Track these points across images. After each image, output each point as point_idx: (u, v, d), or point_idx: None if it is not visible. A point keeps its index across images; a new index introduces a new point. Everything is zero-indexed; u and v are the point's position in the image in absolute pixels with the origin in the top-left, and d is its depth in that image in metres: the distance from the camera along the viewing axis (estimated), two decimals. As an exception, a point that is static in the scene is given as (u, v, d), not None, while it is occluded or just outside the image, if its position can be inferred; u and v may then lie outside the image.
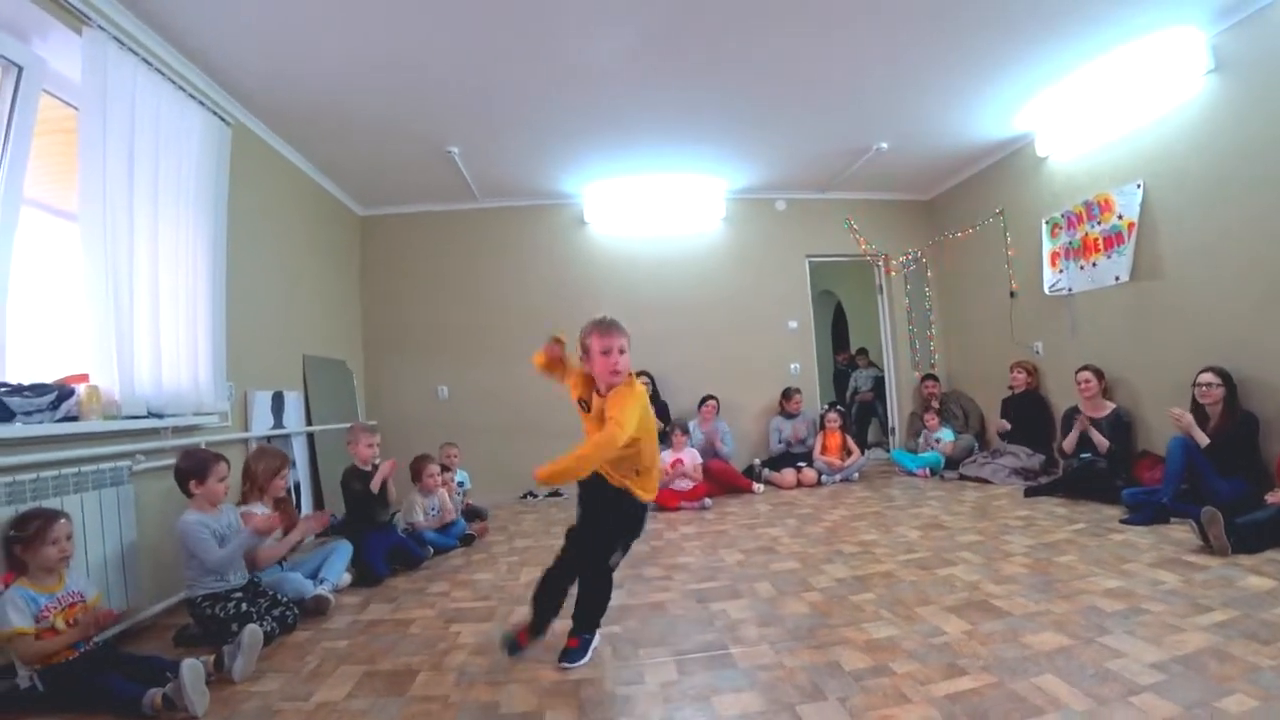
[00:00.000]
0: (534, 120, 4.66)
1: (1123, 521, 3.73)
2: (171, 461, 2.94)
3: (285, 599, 2.84)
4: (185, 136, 3.41)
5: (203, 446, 3.17)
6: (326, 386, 5.17)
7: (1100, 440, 4.50)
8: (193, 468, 2.77)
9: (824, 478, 5.82)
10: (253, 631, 2.31)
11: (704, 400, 6.03)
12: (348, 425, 4.40)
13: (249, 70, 3.71)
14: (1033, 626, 2.33)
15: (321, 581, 3.18)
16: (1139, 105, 4.45)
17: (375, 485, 3.69)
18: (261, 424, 4.15)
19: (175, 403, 3.22)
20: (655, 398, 6.02)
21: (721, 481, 5.54)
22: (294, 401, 4.59)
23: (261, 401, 4.18)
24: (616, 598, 2.92)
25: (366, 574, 3.46)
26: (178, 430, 3.25)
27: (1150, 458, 4.37)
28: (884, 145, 5.50)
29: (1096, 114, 4.77)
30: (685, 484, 5.23)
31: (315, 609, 2.95)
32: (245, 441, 3.91)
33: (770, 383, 6.47)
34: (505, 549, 4.09)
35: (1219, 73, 3.95)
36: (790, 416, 6.23)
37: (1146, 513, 3.68)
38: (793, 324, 6.72)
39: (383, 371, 6.14)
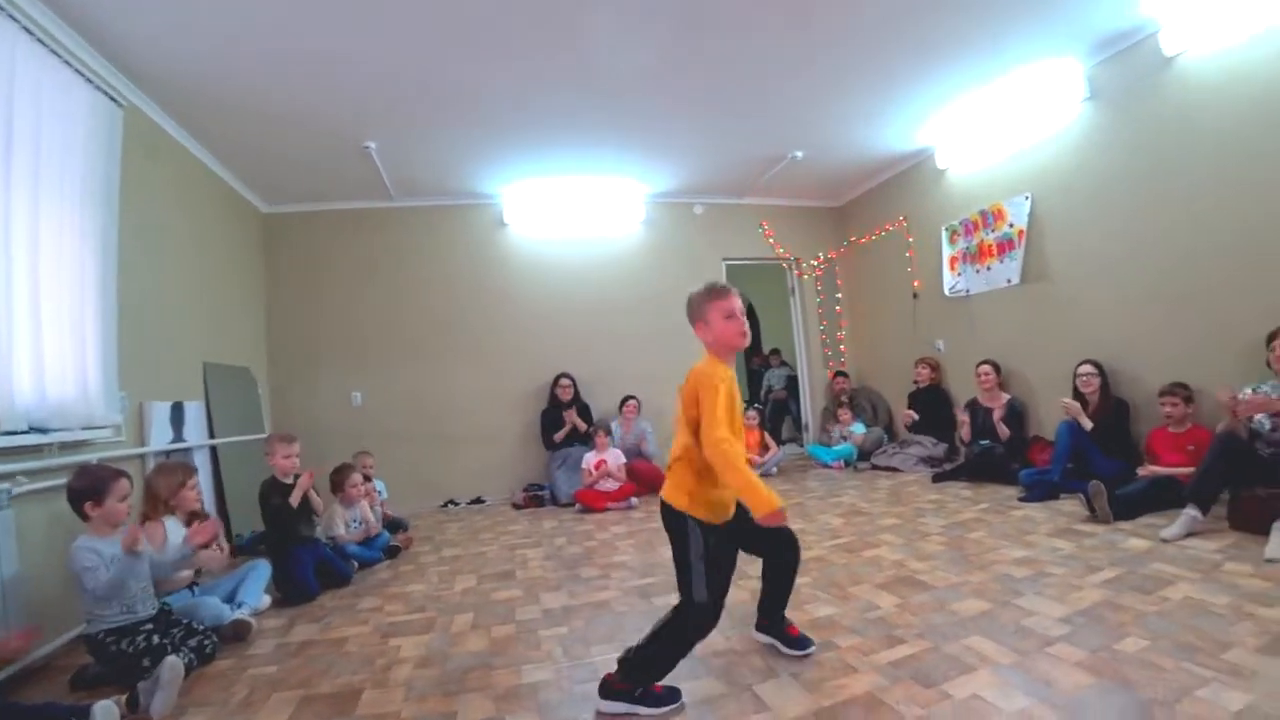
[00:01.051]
0: (454, 118, 4.55)
1: (1021, 499, 4.13)
2: (58, 482, 2.67)
3: (202, 627, 2.62)
4: (71, 117, 3.09)
5: (96, 463, 2.88)
6: (230, 395, 4.84)
7: (1004, 431, 4.90)
8: (88, 487, 2.48)
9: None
10: (173, 664, 2.14)
11: (625, 400, 6.07)
12: (258, 436, 4.14)
13: (144, 46, 3.36)
14: (956, 596, 2.57)
15: (239, 605, 2.97)
16: (1027, 126, 4.90)
17: (296, 499, 3.49)
18: (160, 437, 3.84)
19: (61, 416, 2.90)
20: (577, 399, 6.01)
21: (647, 481, 5.58)
22: (195, 412, 4.28)
23: (159, 413, 3.86)
24: (558, 599, 2.93)
25: (295, 592, 3.27)
26: (65, 446, 2.94)
27: (1041, 442, 4.80)
28: (799, 154, 5.73)
29: (990, 132, 5.20)
30: (611, 485, 5.25)
31: (235, 635, 2.74)
32: (142, 457, 3.60)
33: (691, 382, 6.57)
34: (434, 559, 3.98)
35: (1094, 100, 4.43)
36: (711, 415, 6.36)
37: (1040, 490, 4.09)
38: (711, 325, 6.85)
39: (291, 378, 5.79)
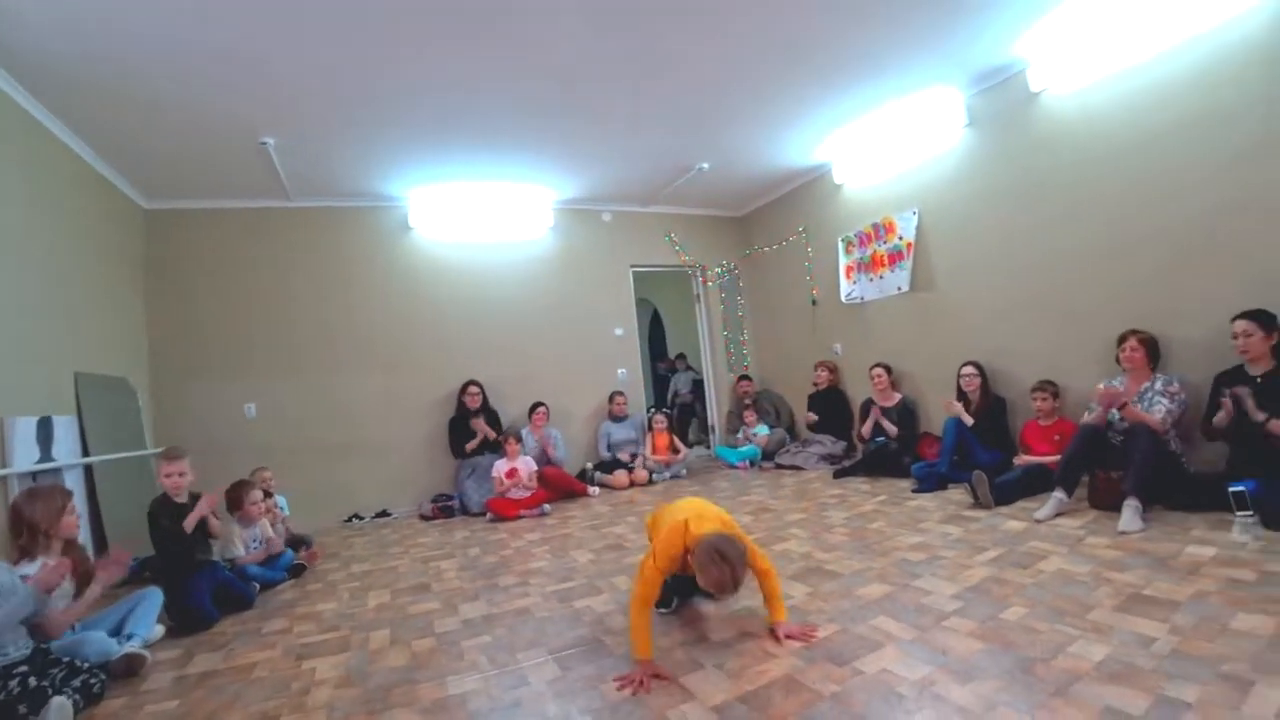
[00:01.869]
0: (359, 116, 4.38)
1: (914, 491, 4.46)
2: None
3: (87, 665, 2.38)
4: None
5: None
6: (106, 409, 4.44)
7: (890, 428, 5.26)
8: None
9: (655, 475, 6.10)
10: (60, 706, 1.99)
11: (534, 407, 6.06)
12: (140, 453, 3.81)
13: (10, 20, 3.03)
14: (861, 581, 2.78)
15: (129, 638, 2.74)
16: (915, 147, 5.32)
17: (189, 525, 3.25)
18: (25, 458, 3.47)
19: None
20: (485, 407, 5.95)
21: (557, 487, 5.61)
22: (66, 428, 3.90)
23: (24, 429, 3.49)
24: (477, 609, 2.92)
25: (192, 619, 3.05)
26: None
27: (930, 437, 5.18)
28: (705, 165, 5.92)
29: (882, 151, 5.59)
30: (522, 492, 5.22)
31: (127, 670, 2.53)
32: (4, 479, 3.26)
33: (598, 388, 6.66)
34: (342, 575, 3.83)
35: (972, 127, 4.89)
36: (618, 420, 6.47)
37: (931, 482, 4.43)
38: (619, 331, 6.97)
39: (177, 389, 5.34)
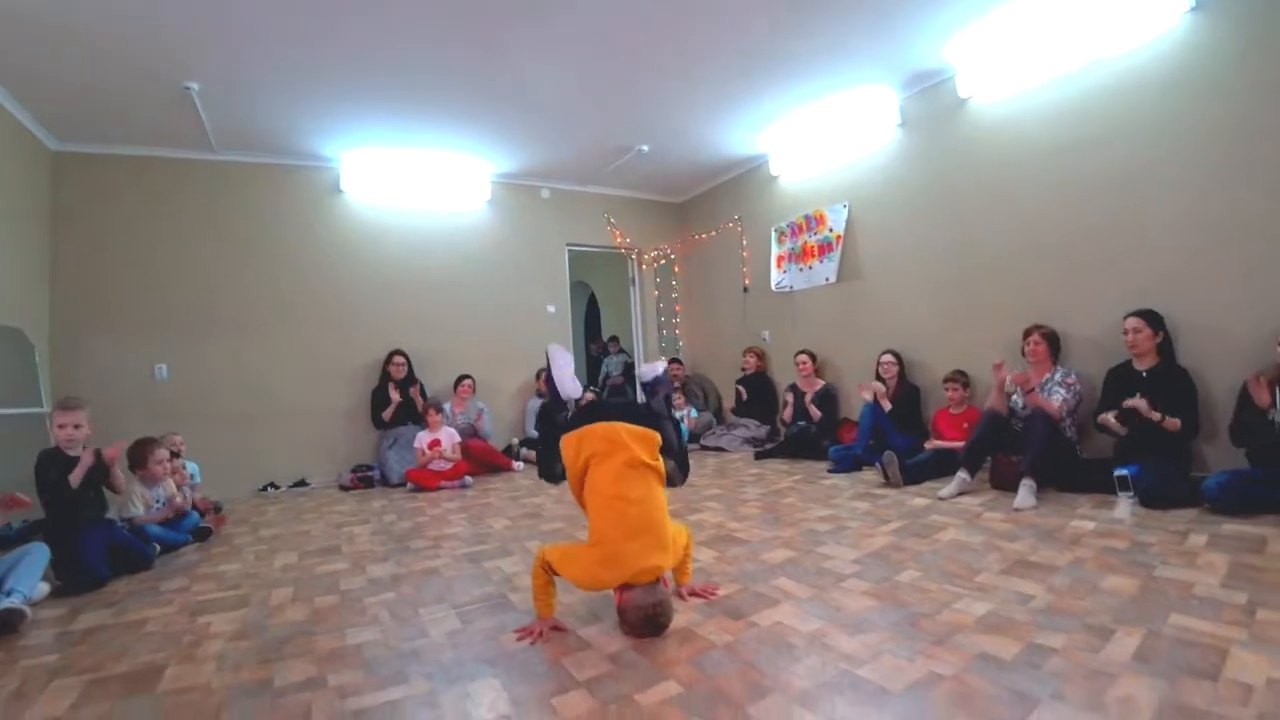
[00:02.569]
0: (293, 66, 4.17)
1: (830, 471, 4.62)
2: None
3: None
4: None
5: None
6: (-5, 360, 4.15)
7: (814, 413, 5.41)
8: None
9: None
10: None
11: (460, 380, 5.98)
12: (34, 410, 3.58)
13: None
14: (766, 548, 2.87)
15: (8, 594, 2.58)
16: (849, 143, 5.49)
17: (75, 479, 3.07)
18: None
19: None
20: (411, 377, 5.84)
21: (482, 460, 5.56)
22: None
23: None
24: (385, 569, 2.89)
25: (81, 578, 2.89)
26: None
27: (849, 423, 5.37)
28: (645, 148, 5.95)
29: (818, 146, 5.74)
30: (444, 464, 5.14)
31: (4, 625, 2.39)
32: None
33: (528, 365, 6.61)
34: (250, 539, 3.71)
35: (905, 127, 5.07)
36: (543, 397, 6.44)
37: (846, 463, 4.60)
38: (551, 308, 6.94)
39: (80, 345, 5.00)
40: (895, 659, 1.71)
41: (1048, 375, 3.86)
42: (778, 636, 1.91)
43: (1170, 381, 3.36)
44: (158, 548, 3.40)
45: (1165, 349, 3.46)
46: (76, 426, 3.19)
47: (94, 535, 3.07)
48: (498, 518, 3.83)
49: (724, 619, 2.06)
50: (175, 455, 4.02)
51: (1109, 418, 3.44)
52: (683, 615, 2.09)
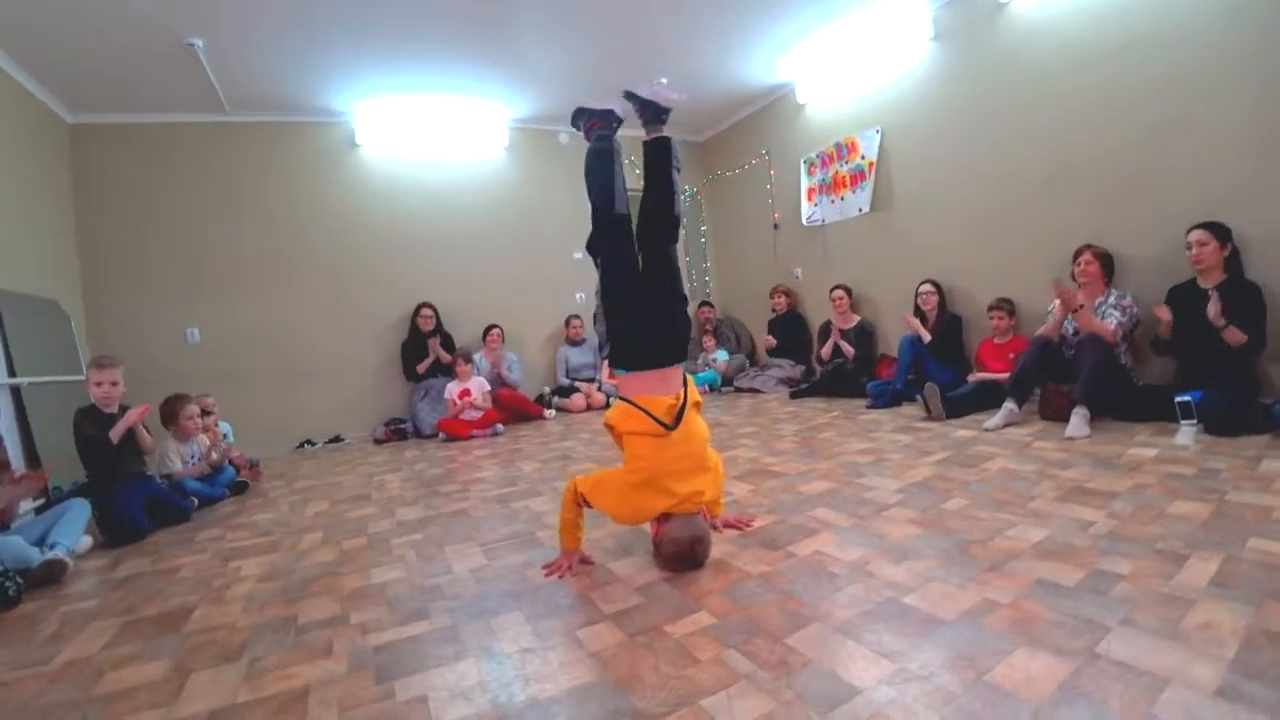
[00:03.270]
0: (294, 12, 4.03)
1: (869, 407, 4.45)
2: None
3: (2, 569, 2.29)
4: None
5: None
6: (34, 331, 4.21)
7: (848, 349, 5.23)
8: None
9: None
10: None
11: (488, 330, 5.94)
12: (74, 379, 3.60)
13: None
14: (804, 480, 2.75)
15: (51, 547, 2.63)
16: (879, 63, 5.13)
17: (116, 436, 3.11)
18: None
19: None
20: (439, 329, 5.81)
21: (512, 409, 5.54)
22: (-15, 347, 3.70)
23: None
24: (414, 512, 2.86)
25: (120, 530, 2.95)
26: None
27: (887, 359, 5.18)
28: (664, 80, 5.66)
29: (846, 69, 5.40)
30: (475, 413, 5.14)
31: (47, 577, 2.43)
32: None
33: (556, 313, 6.52)
34: (284, 491, 3.74)
35: (939, 40, 4.70)
36: (575, 344, 6.37)
37: (886, 398, 4.42)
38: (577, 255, 6.77)
39: (112, 314, 5.07)
40: (945, 586, 1.60)
41: (1100, 298, 3.60)
42: (817, 566, 1.81)
43: (1238, 297, 3.10)
44: (195, 501, 3.45)
45: (1232, 264, 3.19)
46: (113, 384, 3.25)
47: (132, 489, 3.13)
48: (528, 461, 3.79)
49: (759, 550, 1.97)
50: (206, 414, 4.04)
51: (1161, 310, 3.19)
52: (715, 548, 2.00)
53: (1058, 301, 3.58)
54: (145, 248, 5.21)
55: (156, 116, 5.21)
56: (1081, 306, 3.44)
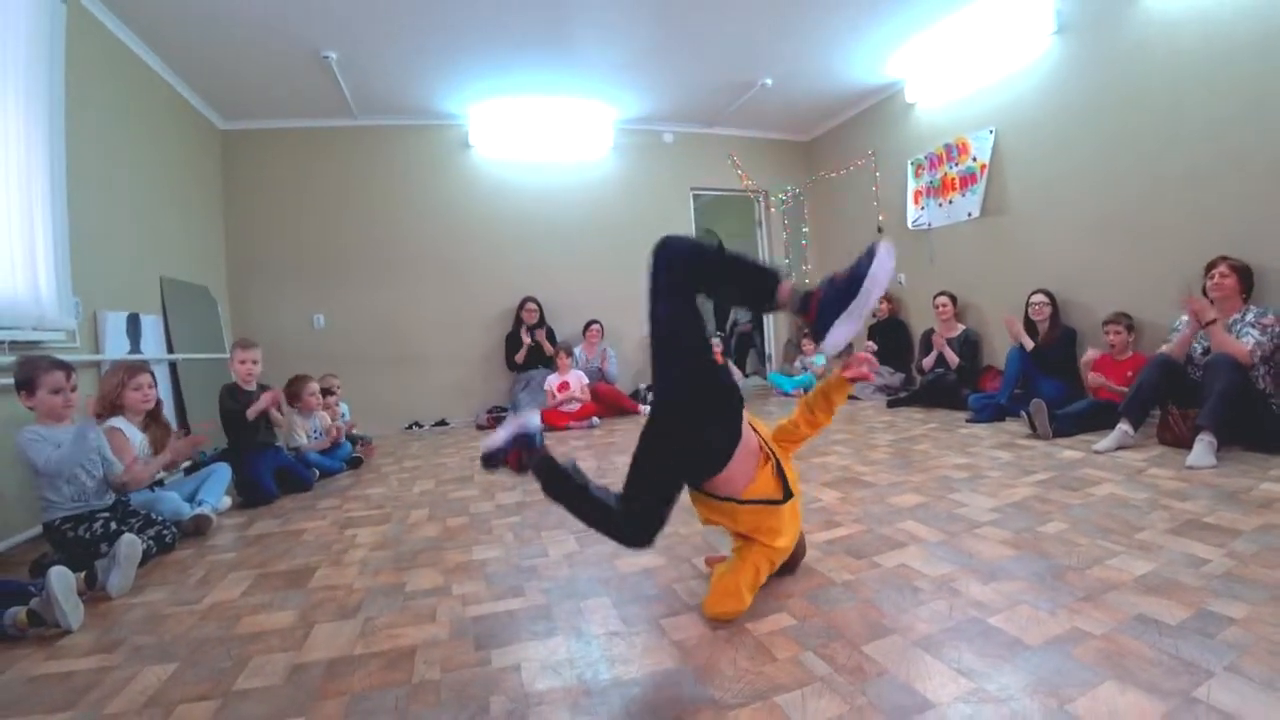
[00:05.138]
0: (419, 25, 4.35)
1: (969, 420, 4.29)
2: (9, 381, 2.60)
3: (160, 519, 2.65)
4: (9, 7, 2.95)
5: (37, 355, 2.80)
6: (189, 313, 4.75)
7: (952, 357, 5.05)
8: (20, 377, 2.43)
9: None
10: (130, 541, 2.16)
11: (589, 325, 6.12)
12: (220, 356, 4.06)
13: None
14: (895, 491, 2.72)
15: (200, 504, 3.00)
16: (995, 59, 4.89)
17: (252, 415, 3.47)
18: (116, 347, 3.75)
19: (10, 314, 2.84)
20: (542, 323, 6.05)
21: (609, 403, 5.68)
22: (152, 325, 4.19)
23: (115, 323, 3.77)
24: (513, 496, 3.02)
25: (253, 493, 3.32)
26: (15, 345, 2.89)
27: (992, 371, 4.96)
28: (769, 81, 5.65)
29: (958, 66, 5.18)
30: (573, 405, 5.32)
31: (195, 530, 2.79)
32: (98, 365, 3.54)
33: (654, 311, 6.61)
34: (395, 468, 4.03)
35: (1062, 34, 4.43)
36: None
37: (988, 412, 4.24)
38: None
39: (251, 299, 5.67)
40: (1034, 610, 1.56)
41: (1236, 315, 3.30)
42: (901, 578, 1.81)
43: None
44: (317, 473, 3.78)
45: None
46: (255, 363, 3.65)
47: (262, 459, 3.49)
48: (622, 455, 3.91)
49: (845, 557, 1.99)
50: (329, 394, 4.41)
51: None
52: (800, 553, 2.03)
53: (1185, 317, 3.32)
54: (280, 240, 5.76)
55: (293, 122, 5.74)
56: (1215, 321, 3.17)
